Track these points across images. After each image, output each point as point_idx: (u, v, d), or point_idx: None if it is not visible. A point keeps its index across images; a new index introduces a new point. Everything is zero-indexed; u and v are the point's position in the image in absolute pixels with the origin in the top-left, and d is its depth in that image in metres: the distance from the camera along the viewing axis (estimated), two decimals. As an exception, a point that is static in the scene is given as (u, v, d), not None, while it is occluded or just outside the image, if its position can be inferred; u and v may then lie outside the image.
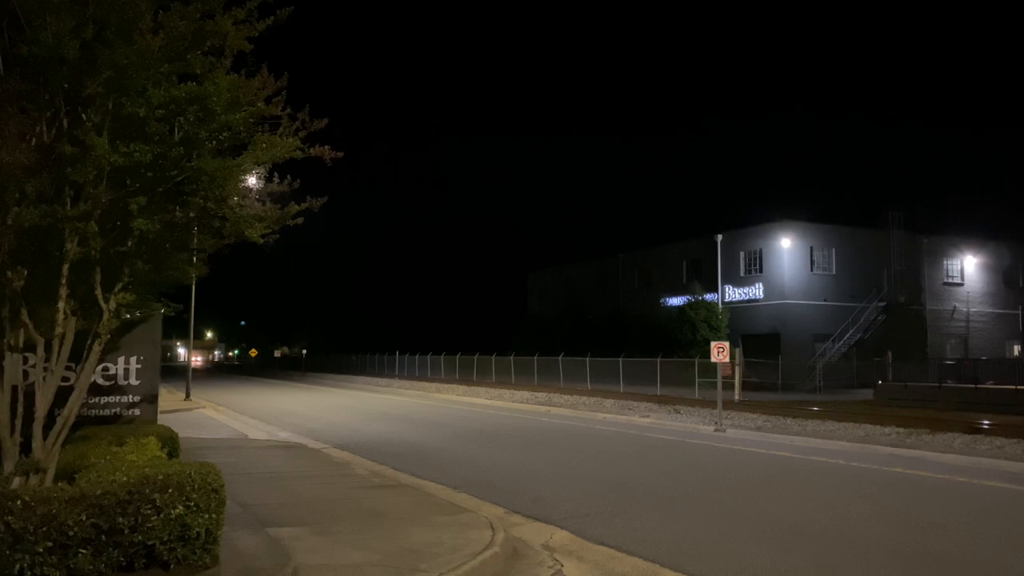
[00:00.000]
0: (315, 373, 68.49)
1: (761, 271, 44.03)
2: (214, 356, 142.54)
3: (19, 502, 5.21)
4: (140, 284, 7.93)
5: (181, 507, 5.67)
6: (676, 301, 46.81)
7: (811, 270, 43.50)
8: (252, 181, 7.95)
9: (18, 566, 5.11)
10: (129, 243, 7.05)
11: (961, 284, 47.88)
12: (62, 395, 7.16)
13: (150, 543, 5.56)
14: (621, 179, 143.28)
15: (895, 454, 15.11)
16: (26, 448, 6.82)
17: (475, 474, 12.35)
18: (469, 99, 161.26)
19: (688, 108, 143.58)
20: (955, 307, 47.29)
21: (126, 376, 10.60)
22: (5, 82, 6.45)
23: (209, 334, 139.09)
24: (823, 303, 43.01)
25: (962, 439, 17.02)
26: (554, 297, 62.71)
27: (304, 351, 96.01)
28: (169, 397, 28.45)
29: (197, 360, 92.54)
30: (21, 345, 6.97)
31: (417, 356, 58.80)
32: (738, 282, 44.87)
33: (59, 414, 7.07)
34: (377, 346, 68.94)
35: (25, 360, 7.31)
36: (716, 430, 19.31)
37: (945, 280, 47.56)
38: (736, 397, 30.08)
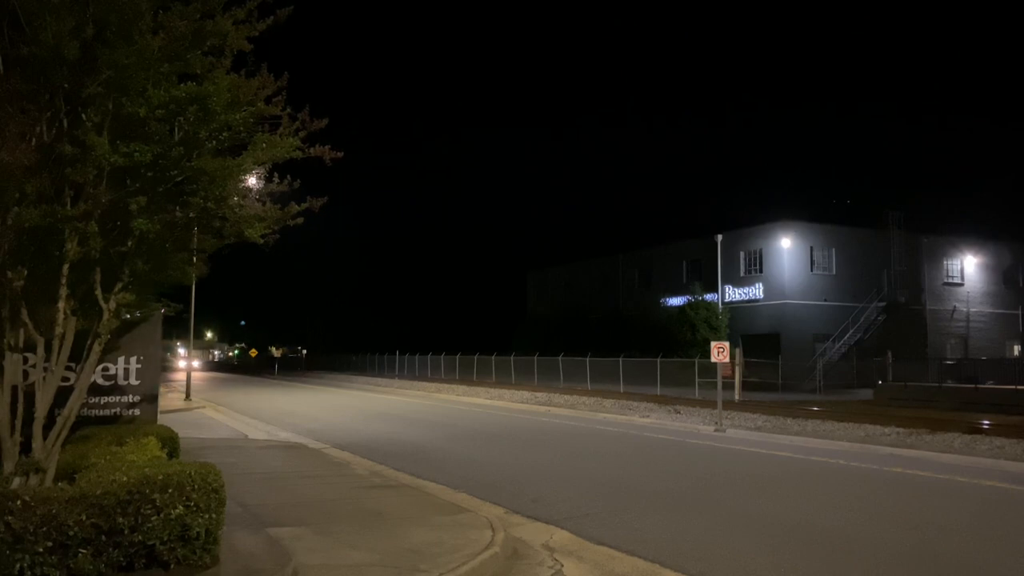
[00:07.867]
0: (315, 373, 68.48)
1: (761, 271, 44.05)
2: (213, 356, 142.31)
3: (19, 502, 5.21)
4: (140, 284, 7.93)
5: (181, 507, 5.67)
6: (676, 301, 46.84)
7: (811, 270, 43.53)
8: (252, 181, 7.95)
9: (18, 566, 5.11)
10: (129, 243, 7.05)
11: (961, 284, 47.89)
12: (62, 395, 7.16)
13: (150, 543, 5.56)
14: (621, 179, 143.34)
15: (895, 454, 15.11)
16: (26, 448, 6.82)
17: (475, 474, 12.35)
18: (470, 100, 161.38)
19: (688, 109, 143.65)
20: (955, 307, 47.30)
21: (126, 376, 10.59)
22: (5, 82, 6.45)
23: (209, 334, 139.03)
24: (823, 303, 43.03)
25: (962, 439, 17.02)
26: (554, 297, 62.76)
27: (304, 351, 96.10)
28: (169, 397, 28.46)
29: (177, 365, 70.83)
30: (21, 345, 6.97)
31: (417, 356, 58.84)
32: (738, 282, 44.88)
33: (59, 414, 7.06)
34: (377, 346, 69.08)
35: (25, 360, 7.30)
36: (716, 430, 19.30)
37: (945, 280, 47.57)
38: (736, 397, 30.09)
